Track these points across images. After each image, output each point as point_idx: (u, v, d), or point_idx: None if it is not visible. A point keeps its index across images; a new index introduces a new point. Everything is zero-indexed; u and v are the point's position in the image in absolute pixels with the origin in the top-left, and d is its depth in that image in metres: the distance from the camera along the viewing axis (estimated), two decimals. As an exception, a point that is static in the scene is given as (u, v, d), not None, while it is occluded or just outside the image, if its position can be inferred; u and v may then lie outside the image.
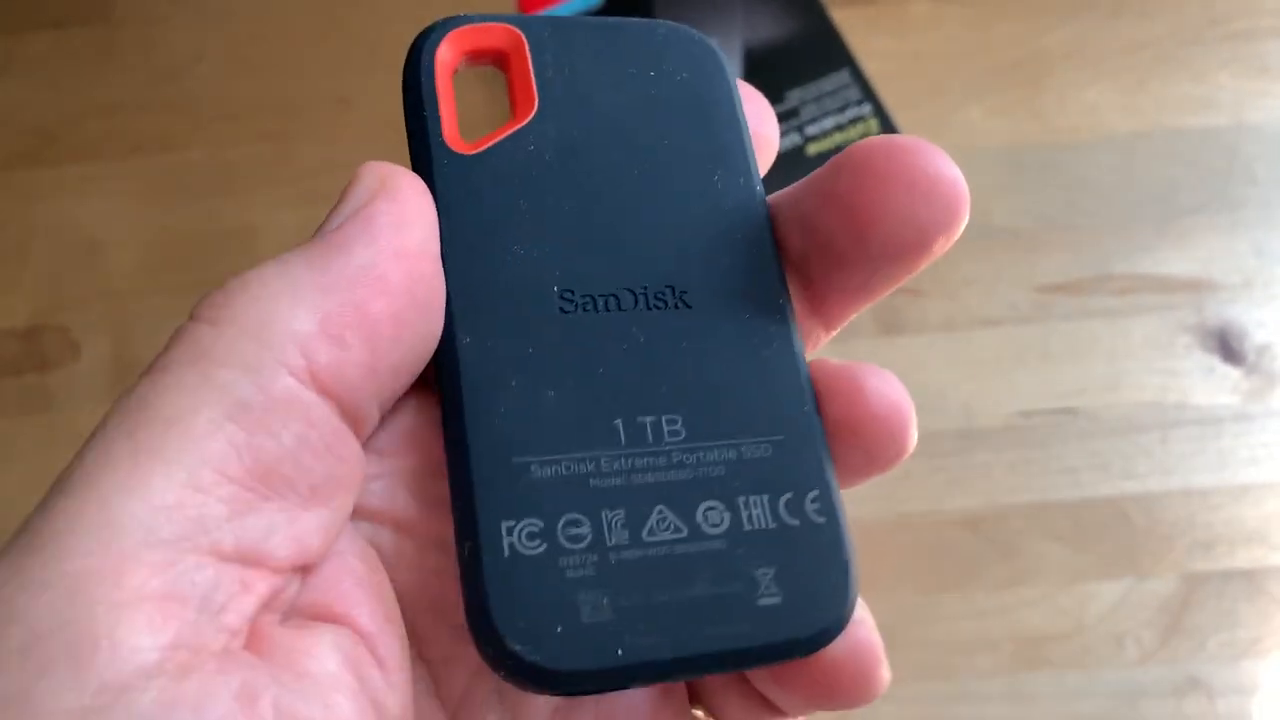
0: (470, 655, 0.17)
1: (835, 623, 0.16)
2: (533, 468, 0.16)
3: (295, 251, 0.16)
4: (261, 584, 0.14)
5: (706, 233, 0.19)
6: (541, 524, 0.16)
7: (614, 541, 0.16)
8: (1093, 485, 0.43)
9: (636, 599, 0.16)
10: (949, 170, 0.17)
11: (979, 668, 0.41)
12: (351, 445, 0.16)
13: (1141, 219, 0.47)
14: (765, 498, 0.17)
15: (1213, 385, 0.44)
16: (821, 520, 0.17)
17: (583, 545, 0.16)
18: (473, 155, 0.18)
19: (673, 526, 0.16)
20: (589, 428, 0.17)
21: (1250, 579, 0.42)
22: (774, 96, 0.46)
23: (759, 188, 0.19)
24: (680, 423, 0.17)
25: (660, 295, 0.18)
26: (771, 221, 0.19)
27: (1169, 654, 0.41)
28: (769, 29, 0.47)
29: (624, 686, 0.16)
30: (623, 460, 0.16)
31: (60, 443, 0.45)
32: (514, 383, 0.17)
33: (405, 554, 0.17)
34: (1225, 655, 0.41)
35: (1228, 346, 0.45)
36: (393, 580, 0.17)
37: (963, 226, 0.18)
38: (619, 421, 0.17)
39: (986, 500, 0.43)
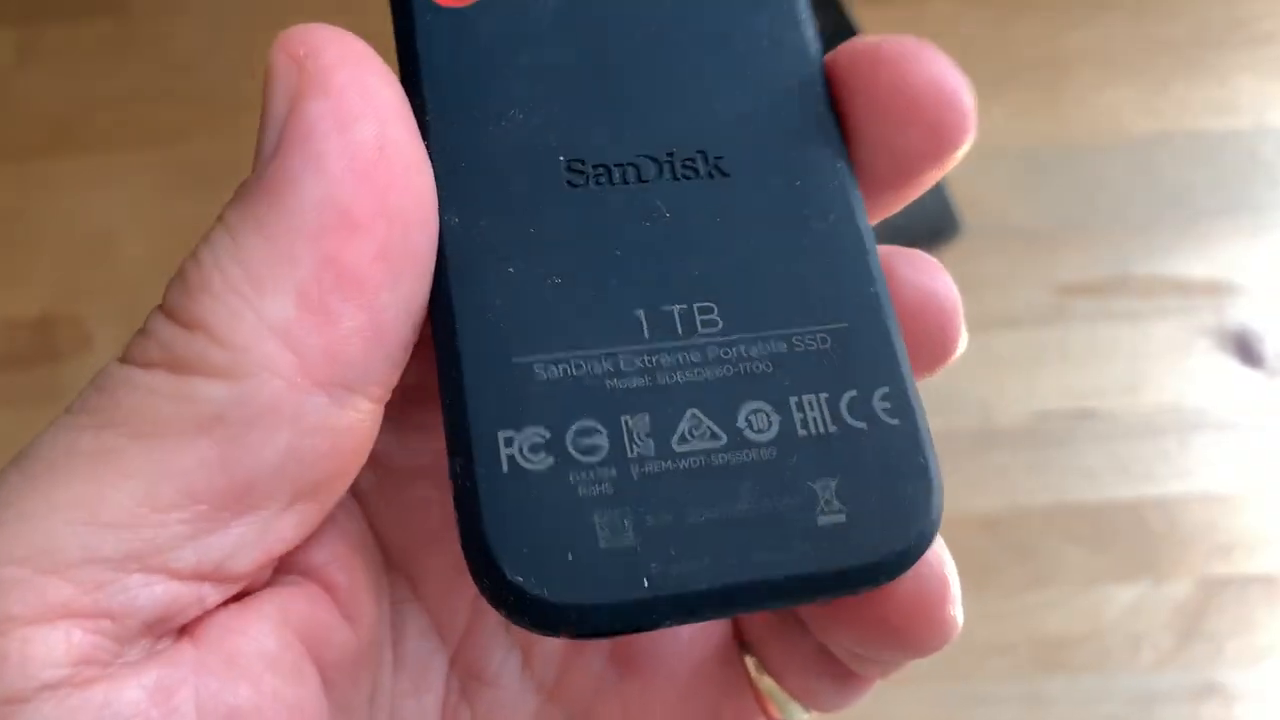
0: (470, 588, 0.16)
1: (914, 544, 0.13)
2: (536, 369, 0.13)
3: (239, 210, 0.13)
4: (221, 594, 0.13)
5: (746, 91, 0.15)
6: (547, 433, 0.13)
7: (637, 453, 0.13)
8: (1111, 487, 0.43)
9: (665, 519, 0.13)
10: (938, 83, 0.14)
11: (995, 670, 0.41)
12: (357, 435, 0.13)
13: (1161, 221, 0.46)
14: (823, 397, 0.14)
15: (1231, 388, 0.44)
16: (894, 422, 0.14)
17: (598, 458, 0.13)
18: (462, 8, 0.15)
19: (709, 433, 0.13)
20: (604, 320, 0.14)
21: (1268, 583, 0.42)
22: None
23: (814, 46, 0.16)
24: (716, 311, 0.14)
25: (690, 162, 0.15)
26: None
27: (1186, 658, 0.41)
28: (788, 26, 0.47)
29: (651, 626, 0.13)
30: (646, 358, 0.13)
31: (72, 435, 0.45)
32: (512, 269, 0.14)
33: (386, 489, 0.16)
34: (1243, 660, 0.41)
35: (1246, 349, 0.45)
36: (375, 517, 0.16)
37: (962, 148, 0.15)
38: (640, 312, 0.14)
39: (1004, 501, 0.43)
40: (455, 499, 0.13)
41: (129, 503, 0.12)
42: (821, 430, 0.13)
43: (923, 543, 0.13)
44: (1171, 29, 0.49)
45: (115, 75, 0.50)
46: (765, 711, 0.17)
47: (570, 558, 0.12)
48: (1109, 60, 0.49)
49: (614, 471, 0.13)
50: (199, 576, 0.13)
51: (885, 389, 0.14)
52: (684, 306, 0.14)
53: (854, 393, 0.14)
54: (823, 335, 0.14)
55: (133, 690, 0.12)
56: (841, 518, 0.13)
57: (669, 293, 0.14)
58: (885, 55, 0.15)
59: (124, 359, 0.13)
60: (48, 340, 0.46)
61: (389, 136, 0.13)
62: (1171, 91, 0.48)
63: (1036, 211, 0.47)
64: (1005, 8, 0.50)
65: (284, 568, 0.14)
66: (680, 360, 0.14)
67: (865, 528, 0.13)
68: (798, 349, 0.14)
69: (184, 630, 0.13)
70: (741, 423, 0.13)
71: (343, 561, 0.15)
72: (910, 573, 0.14)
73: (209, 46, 0.51)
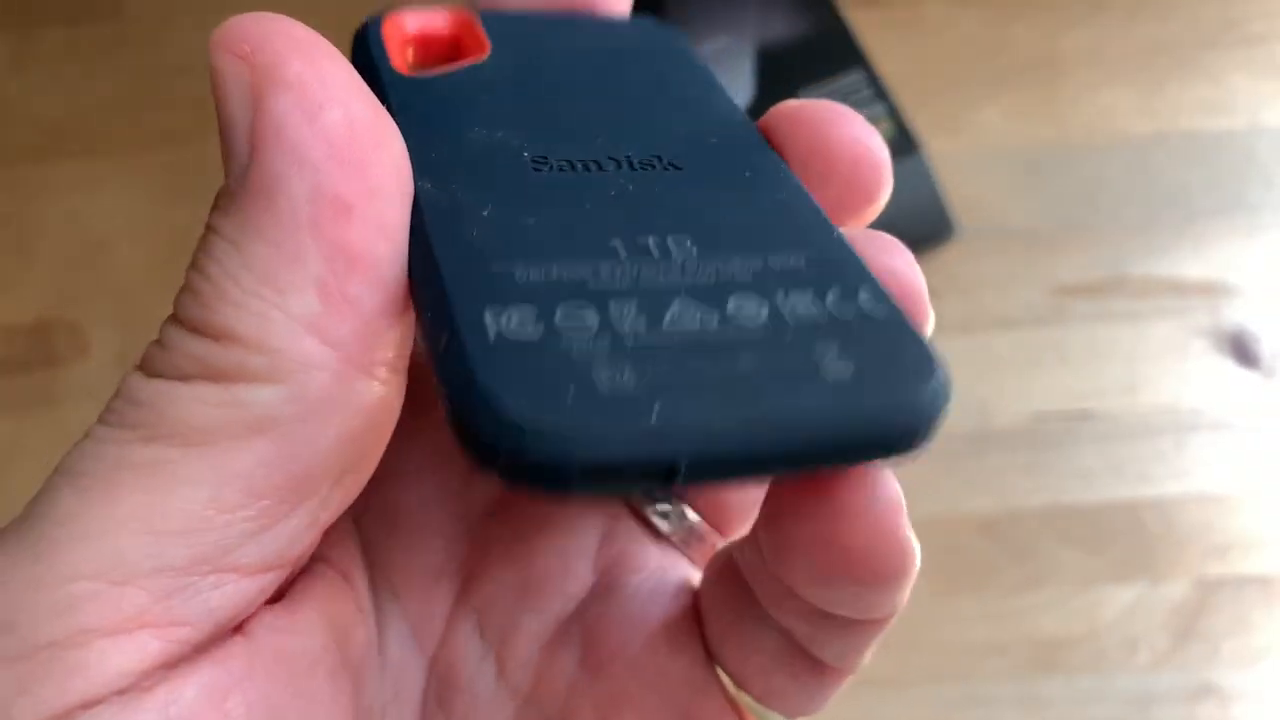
0: (445, 595, 0.16)
1: (928, 407, 0.13)
2: (516, 272, 0.13)
3: (232, 219, 0.13)
4: (278, 582, 0.14)
5: (694, 129, 0.16)
6: (535, 310, 0.12)
7: (629, 327, 0.12)
8: (1108, 488, 0.43)
9: (666, 371, 0.12)
10: (854, 143, 0.15)
11: (991, 671, 0.41)
12: (392, 403, 0.14)
13: (1157, 221, 0.47)
14: (809, 292, 0.13)
15: (1228, 389, 0.44)
16: (883, 312, 0.13)
17: (590, 329, 0.12)
18: (426, 78, 0.16)
19: (698, 318, 0.13)
20: (581, 245, 0.13)
21: (1265, 584, 0.42)
22: (786, 96, 0.45)
23: (742, 113, 0.17)
24: (690, 242, 0.14)
25: (647, 161, 0.15)
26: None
27: (1182, 659, 0.41)
28: (782, 29, 0.47)
29: (659, 478, 0.12)
30: (627, 268, 0.13)
31: (69, 440, 0.45)
32: (487, 214, 0.14)
33: (365, 495, 0.16)
34: (1239, 661, 0.41)
35: (1243, 350, 0.45)
36: (356, 523, 0.16)
37: (879, 203, 0.15)
38: (617, 241, 0.14)
39: (1000, 503, 0.43)
40: (441, 373, 0.12)
41: (194, 508, 0.12)
42: (813, 315, 0.13)
43: (937, 405, 0.13)
44: (1166, 30, 0.49)
45: (110, 80, 0.50)
46: (645, 520, 0.18)
47: (569, 400, 0.11)
48: (1105, 61, 0.49)
49: (607, 341, 0.12)
50: (265, 569, 0.13)
51: (866, 289, 0.14)
52: (659, 238, 0.14)
53: (838, 289, 0.14)
54: (795, 257, 0.14)
55: (190, 689, 0.13)
56: (848, 375, 0.12)
57: (642, 228, 0.14)
58: (806, 117, 0.16)
59: (152, 373, 0.13)
60: (44, 346, 0.46)
61: (356, 115, 0.13)
62: (1167, 92, 0.48)
63: (1033, 212, 0.47)
64: (1000, 9, 0.50)
65: (316, 556, 0.15)
66: (661, 270, 0.13)
67: (877, 387, 0.12)
68: (774, 266, 0.14)
69: (237, 627, 0.14)
70: (731, 309, 0.13)
71: (351, 557, 0.16)
72: (864, 491, 0.13)
73: (204, 51, 0.51)
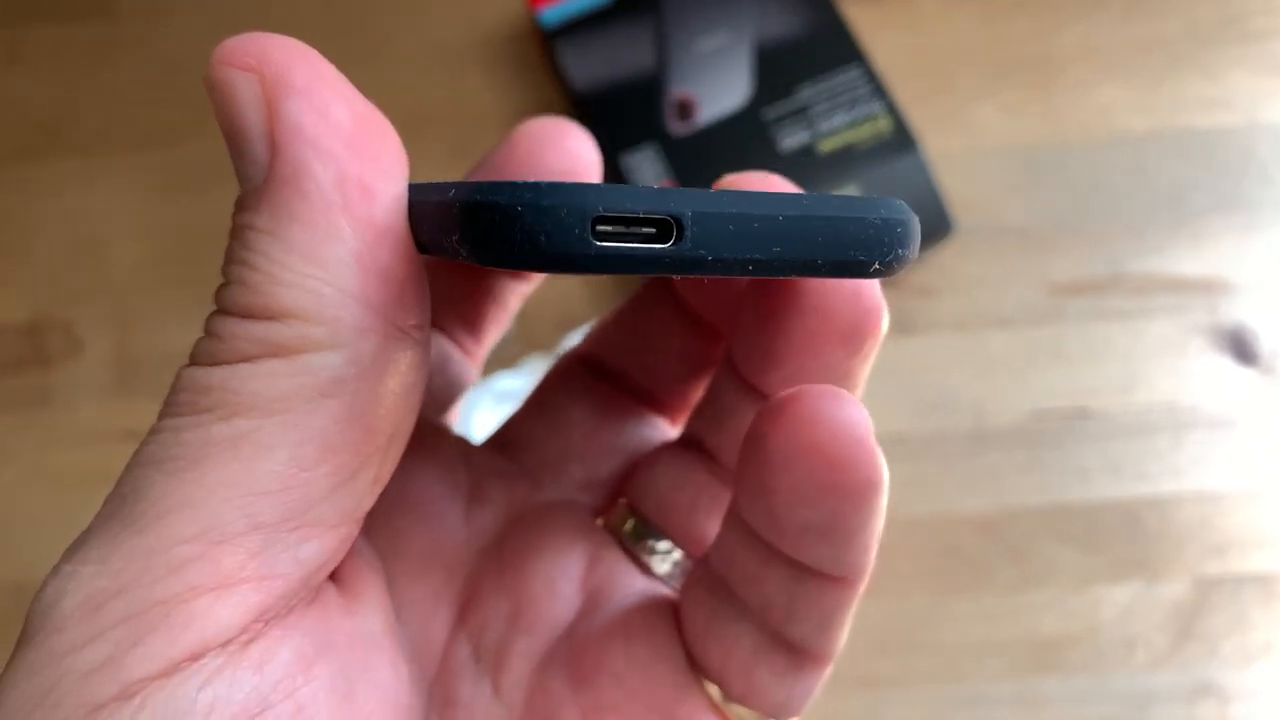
0: (445, 616, 0.18)
1: (908, 221, 0.14)
2: None
3: (264, 212, 0.14)
4: (352, 538, 0.15)
5: None
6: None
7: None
8: (1105, 487, 0.43)
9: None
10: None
11: (989, 671, 0.41)
12: (425, 364, 0.15)
13: (1155, 219, 0.46)
14: None
15: (1226, 387, 0.44)
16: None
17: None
18: None
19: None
20: None
21: (1263, 583, 0.41)
22: (784, 93, 0.45)
23: None
24: None
25: None
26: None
27: (1181, 658, 0.41)
28: (779, 25, 0.47)
29: (669, 235, 0.12)
30: None
31: (63, 441, 0.45)
32: None
33: (368, 517, 0.17)
34: (1238, 659, 0.41)
35: (1241, 347, 0.44)
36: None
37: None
38: None
39: (997, 502, 0.43)
40: (463, 216, 0.13)
41: (278, 469, 0.13)
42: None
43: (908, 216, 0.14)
44: (1163, 26, 0.49)
45: (104, 77, 0.50)
46: (636, 559, 0.19)
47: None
48: (1101, 58, 0.49)
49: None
50: (341, 523, 0.14)
51: None
52: None
53: None
54: None
55: (285, 652, 0.14)
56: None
57: None
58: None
59: (213, 362, 0.14)
60: (37, 345, 0.46)
61: (358, 110, 0.14)
62: (1164, 89, 0.48)
63: (1029, 210, 0.46)
64: (998, 6, 0.50)
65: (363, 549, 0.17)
66: None
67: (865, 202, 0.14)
68: None
69: (316, 598, 0.15)
70: None
71: (373, 566, 0.17)
72: (834, 400, 0.14)
73: (198, 48, 0.50)
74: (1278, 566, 0.42)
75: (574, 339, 0.42)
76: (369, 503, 0.15)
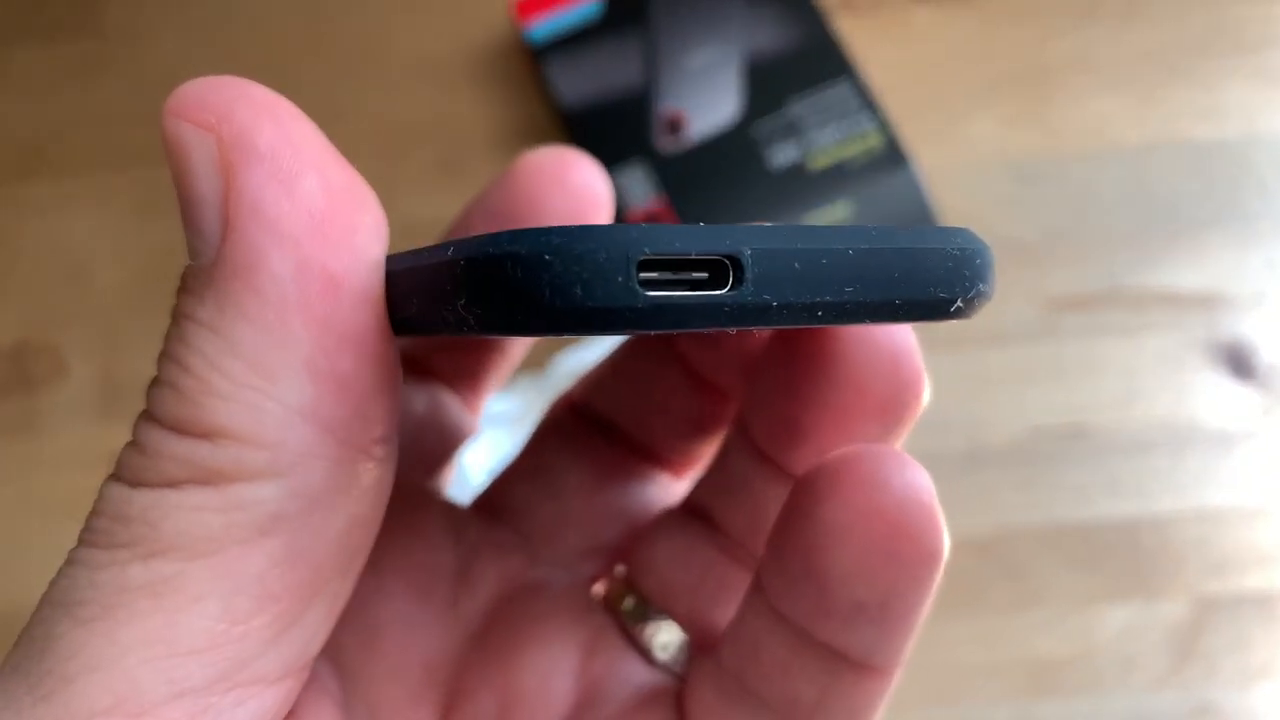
0: (424, 717, 0.16)
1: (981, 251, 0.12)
2: None
3: (210, 302, 0.12)
4: (299, 687, 0.13)
5: None
6: None
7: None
8: (1103, 505, 0.42)
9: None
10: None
11: (987, 693, 0.40)
12: (389, 477, 0.13)
13: (1151, 232, 0.46)
14: None
15: (1224, 403, 0.43)
16: None
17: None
18: None
19: None
20: None
21: (1263, 602, 0.41)
22: (773, 107, 0.45)
23: None
24: None
25: None
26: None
27: (1180, 678, 0.40)
28: (768, 39, 0.46)
29: (726, 278, 0.11)
30: None
31: (48, 466, 0.45)
32: None
33: (345, 620, 0.16)
34: (1238, 679, 0.40)
35: (1239, 363, 0.44)
36: (334, 647, 0.16)
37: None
38: None
39: (994, 521, 0.42)
40: (469, 269, 0.11)
41: (206, 624, 0.11)
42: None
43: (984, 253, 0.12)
44: (1158, 37, 0.49)
45: (89, 97, 0.50)
46: (635, 642, 0.17)
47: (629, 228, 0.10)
48: (1096, 70, 0.48)
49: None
50: (286, 675, 0.12)
51: None
52: None
53: None
54: None
55: None
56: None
57: None
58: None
59: (135, 483, 0.12)
60: (21, 369, 0.45)
61: (332, 180, 0.12)
62: (1159, 100, 0.48)
63: (1024, 224, 0.46)
64: (990, 17, 0.49)
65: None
66: None
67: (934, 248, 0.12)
68: None
69: None
70: None
71: (324, 689, 0.15)
72: (895, 461, 0.13)
73: (183, 68, 0.50)
74: (1278, 585, 0.41)
75: (565, 359, 0.41)
76: (319, 644, 0.13)
